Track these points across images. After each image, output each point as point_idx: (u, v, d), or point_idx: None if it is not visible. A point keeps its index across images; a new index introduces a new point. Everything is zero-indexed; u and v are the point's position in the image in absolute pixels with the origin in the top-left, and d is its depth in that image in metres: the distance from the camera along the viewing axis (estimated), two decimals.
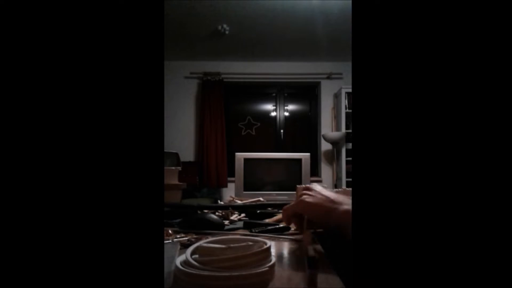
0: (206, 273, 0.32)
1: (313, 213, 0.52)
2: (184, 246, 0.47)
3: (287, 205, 0.56)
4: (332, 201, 0.50)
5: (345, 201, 0.49)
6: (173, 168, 1.22)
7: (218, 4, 2.73)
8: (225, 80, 3.95)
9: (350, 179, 3.51)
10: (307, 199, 0.52)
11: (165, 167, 1.19)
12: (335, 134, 3.64)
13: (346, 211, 0.46)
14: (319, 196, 0.52)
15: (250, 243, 0.36)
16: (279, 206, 0.85)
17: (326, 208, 0.49)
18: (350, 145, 3.62)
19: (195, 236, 0.57)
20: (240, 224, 0.75)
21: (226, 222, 0.77)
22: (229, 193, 3.72)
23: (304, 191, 0.55)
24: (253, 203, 0.95)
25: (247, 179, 1.83)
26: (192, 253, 0.36)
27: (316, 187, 0.55)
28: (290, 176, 1.86)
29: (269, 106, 4.19)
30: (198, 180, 3.69)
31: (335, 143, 3.70)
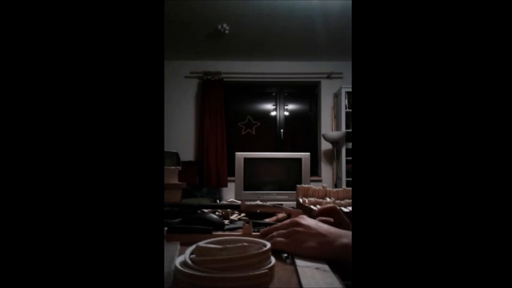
0: (203, 274, 0.31)
1: (305, 252, 0.47)
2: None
3: (277, 238, 0.50)
4: (323, 235, 0.47)
5: (341, 234, 0.47)
6: (173, 167, 1.21)
7: (218, 4, 2.73)
8: (225, 79, 3.94)
9: (350, 179, 3.51)
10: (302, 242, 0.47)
11: (165, 167, 1.18)
12: (335, 134, 3.63)
13: (344, 246, 0.44)
14: (310, 231, 0.48)
15: (245, 244, 0.36)
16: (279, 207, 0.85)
17: (319, 243, 0.46)
18: (350, 145, 3.62)
19: None
20: (240, 223, 0.75)
21: (226, 221, 0.77)
22: (229, 193, 3.72)
23: (295, 228, 0.50)
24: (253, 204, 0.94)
25: (247, 178, 1.83)
26: (191, 253, 0.36)
27: (306, 220, 0.51)
28: (290, 175, 1.86)
29: (269, 106, 4.18)
30: (198, 179, 3.69)
31: (335, 143, 3.70)
